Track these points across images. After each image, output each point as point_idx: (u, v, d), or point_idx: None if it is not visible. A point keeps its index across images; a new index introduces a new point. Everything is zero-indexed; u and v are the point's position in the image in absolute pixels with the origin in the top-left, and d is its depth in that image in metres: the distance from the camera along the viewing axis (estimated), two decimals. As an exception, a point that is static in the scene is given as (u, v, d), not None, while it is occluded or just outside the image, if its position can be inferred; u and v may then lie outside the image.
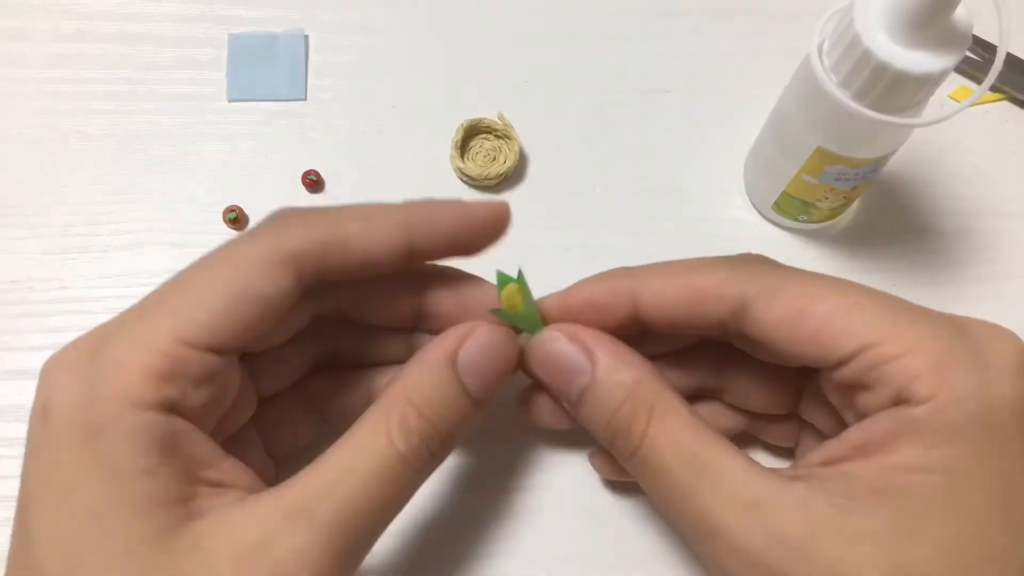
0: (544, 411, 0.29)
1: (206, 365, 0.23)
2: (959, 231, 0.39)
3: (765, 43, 0.42)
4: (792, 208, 0.36)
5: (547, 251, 0.37)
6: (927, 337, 0.21)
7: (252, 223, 0.37)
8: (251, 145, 0.39)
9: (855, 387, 0.22)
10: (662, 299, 0.25)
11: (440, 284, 0.28)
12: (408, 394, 0.24)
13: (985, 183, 0.40)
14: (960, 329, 0.21)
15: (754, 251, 0.25)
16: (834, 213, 0.37)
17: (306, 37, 0.41)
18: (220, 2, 0.42)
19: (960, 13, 0.27)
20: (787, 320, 0.22)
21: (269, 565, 0.21)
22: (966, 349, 0.21)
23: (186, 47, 0.41)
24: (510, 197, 0.39)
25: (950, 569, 0.20)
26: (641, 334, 0.27)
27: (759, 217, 0.39)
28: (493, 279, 0.27)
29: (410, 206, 0.25)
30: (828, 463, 0.23)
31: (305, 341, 0.28)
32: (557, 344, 0.26)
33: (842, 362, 0.22)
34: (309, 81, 0.41)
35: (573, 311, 0.26)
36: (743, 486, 0.22)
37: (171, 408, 0.22)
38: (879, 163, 0.33)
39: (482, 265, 0.27)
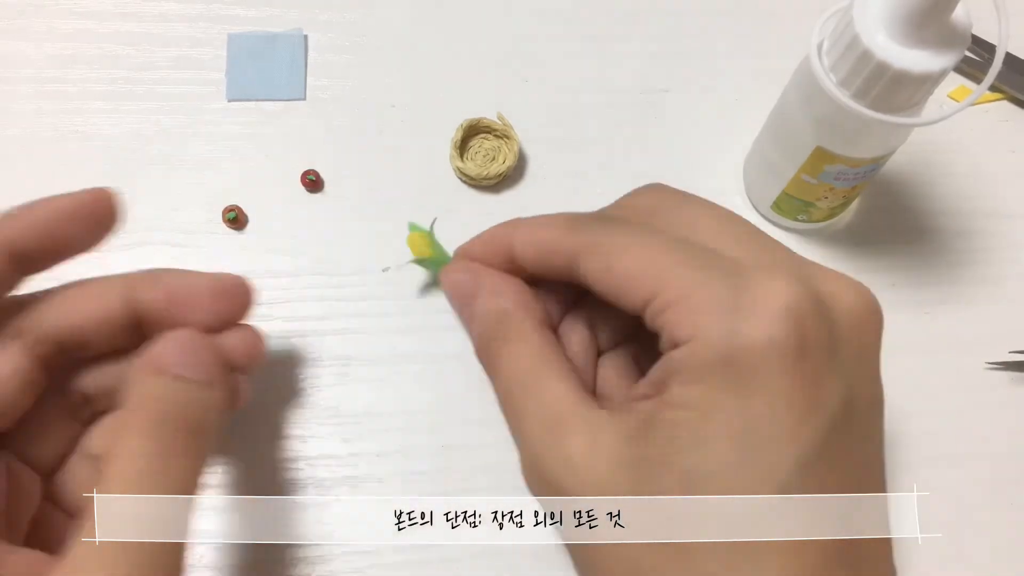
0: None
1: None
2: (959, 231, 0.39)
3: (765, 43, 0.42)
4: (792, 208, 0.36)
5: (547, 251, 0.37)
6: (696, 286, 0.23)
7: (251, 223, 0.37)
8: (250, 145, 0.39)
9: (654, 331, 0.24)
10: (525, 251, 0.27)
11: (146, 285, 0.28)
12: (131, 431, 0.24)
13: (985, 183, 0.40)
14: (735, 277, 0.23)
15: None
16: (833, 213, 0.37)
17: (305, 37, 0.41)
18: (219, 2, 0.42)
19: (959, 13, 0.27)
20: (599, 275, 0.25)
21: None
22: (729, 297, 0.22)
23: (185, 47, 0.41)
24: (510, 197, 0.39)
25: (689, 494, 0.22)
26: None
27: (759, 217, 0.38)
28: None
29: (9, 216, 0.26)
30: (636, 399, 0.24)
31: (57, 409, 0.28)
32: (455, 275, 0.29)
33: (639, 311, 0.24)
34: (308, 81, 0.41)
35: (472, 257, 0.30)
36: (554, 406, 0.24)
37: None
38: (878, 162, 0.33)
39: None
